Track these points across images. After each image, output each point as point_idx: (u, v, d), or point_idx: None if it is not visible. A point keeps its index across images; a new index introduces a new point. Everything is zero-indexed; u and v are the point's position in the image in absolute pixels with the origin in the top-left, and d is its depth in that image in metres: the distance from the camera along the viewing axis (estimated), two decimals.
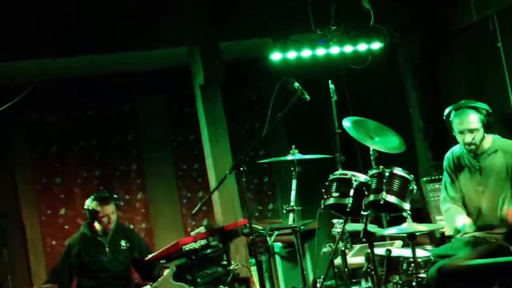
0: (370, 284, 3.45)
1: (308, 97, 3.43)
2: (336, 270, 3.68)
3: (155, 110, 5.74)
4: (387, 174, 3.16)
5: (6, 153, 5.33)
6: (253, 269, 4.15)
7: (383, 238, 3.91)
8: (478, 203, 3.40)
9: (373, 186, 3.18)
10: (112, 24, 4.36)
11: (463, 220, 3.32)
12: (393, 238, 3.83)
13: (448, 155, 3.51)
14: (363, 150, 4.06)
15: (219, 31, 4.63)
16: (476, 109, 3.32)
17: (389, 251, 3.26)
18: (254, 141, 4.26)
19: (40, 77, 5.01)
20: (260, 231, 3.86)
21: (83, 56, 4.67)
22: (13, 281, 4.66)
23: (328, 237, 3.85)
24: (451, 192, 3.47)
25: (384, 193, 3.12)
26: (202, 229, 3.79)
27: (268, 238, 3.85)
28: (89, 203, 4.01)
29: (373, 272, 3.27)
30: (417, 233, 3.08)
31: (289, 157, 3.59)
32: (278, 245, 4.67)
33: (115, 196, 4.19)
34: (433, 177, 4.58)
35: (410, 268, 3.23)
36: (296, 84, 3.44)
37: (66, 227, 5.42)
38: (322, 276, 3.57)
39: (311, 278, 4.27)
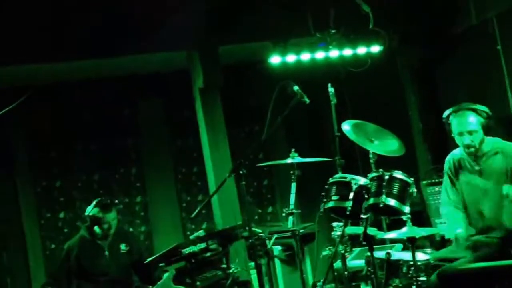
0: (370, 287, 3.44)
1: (307, 100, 3.43)
2: (335, 274, 3.66)
3: (154, 113, 5.74)
4: (386, 177, 3.16)
5: (6, 156, 5.32)
6: (253, 272, 4.14)
7: (383, 241, 3.90)
8: (478, 205, 3.40)
9: (373, 189, 3.18)
10: (111, 28, 4.37)
11: (460, 232, 3.33)
12: (393, 241, 3.83)
13: (448, 158, 3.51)
14: (363, 153, 4.06)
15: (219, 35, 4.64)
16: (475, 111, 3.32)
17: (388, 254, 3.26)
18: (254, 145, 4.27)
19: (40, 81, 5.01)
20: (260, 234, 3.86)
21: (83, 60, 4.67)
22: (12, 284, 4.65)
23: (328, 241, 3.84)
24: (452, 195, 3.47)
25: (384, 196, 3.12)
26: (201, 233, 3.79)
27: (267, 241, 3.85)
28: (91, 210, 4.00)
29: (373, 276, 3.26)
30: (417, 237, 3.08)
31: (289, 161, 3.59)
32: (277, 248, 4.66)
33: (116, 202, 4.18)
34: (433, 180, 4.58)
35: (410, 272, 3.22)
36: (296, 87, 3.44)
37: (65, 230, 5.42)
38: (321, 280, 3.56)
39: (310, 281, 4.27)
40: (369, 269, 3.32)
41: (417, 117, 5.09)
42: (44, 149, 5.46)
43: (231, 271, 3.71)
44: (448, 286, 3.08)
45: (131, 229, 5.50)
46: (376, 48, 4.59)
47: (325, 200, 3.31)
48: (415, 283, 3.11)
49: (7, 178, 5.32)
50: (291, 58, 4.56)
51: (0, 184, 5.30)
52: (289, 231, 3.52)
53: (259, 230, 3.93)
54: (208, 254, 3.70)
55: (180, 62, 4.93)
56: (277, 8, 4.52)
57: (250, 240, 3.37)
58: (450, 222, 3.41)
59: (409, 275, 3.23)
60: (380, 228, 3.96)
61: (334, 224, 3.66)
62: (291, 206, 3.51)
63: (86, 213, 4.03)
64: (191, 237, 3.80)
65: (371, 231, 3.32)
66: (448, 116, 3.38)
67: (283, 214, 3.54)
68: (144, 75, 5.50)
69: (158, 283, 3.68)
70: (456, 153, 3.49)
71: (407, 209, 3.15)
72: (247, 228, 3.42)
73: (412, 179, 3.20)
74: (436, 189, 4.47)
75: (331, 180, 3.35)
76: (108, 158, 5.59)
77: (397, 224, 3.27)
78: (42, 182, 5.43)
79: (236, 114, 5.66)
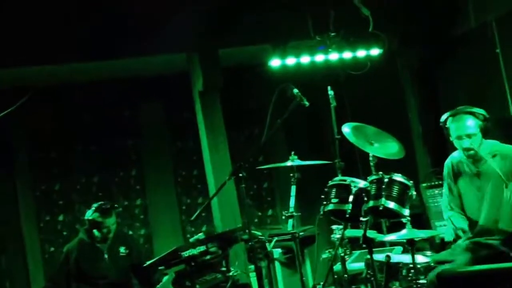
0: None
1: (307, 103, 3.43)
2: (335, 276, 3.66)
3: (154, 116, 5.75)
4: (386, 180, 3.16)
5: (5, 158, 5.32)
6: (252, 275, 4.13)
7: (382, 243, 3.90)
8: (477, 208, 3.40)
9: (373, 192, 3.18)
10: (112, 30, 4.37)
11: (461, 223, 3.33)
12: (393, 244, 3.83)
13: (447, 162, 3.52)
14: (363, 156, 4.06)
15: (218, 38, 4.65)
16: (473, 114, 3.33)
17: (388, 257, 3.26)
18: (254, 147, 4.27)
19: (40, 82, 5.01)
20: (259, 237, 3.86)
21: (83, 62, 4.67)
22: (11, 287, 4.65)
23: (327, 243, 3.84)
24: (452, 200, 3.48)
25: (383, 199, 3.12)
26: (201, 236, 3.78)
27: (267, 244, 3.85)
28: (90, 214, 4.00)
29: (372, 278, 3.26)
30: (417, 239, 3.08)
31: (288, 163, 3.59)
32: (277, 251, 4.66)
33: (116, 206, 4.18)
34: (432, 183, 4.58)
35: (410, 274, 3.22)
36: (295, 90, 3.45)
37: (64, 233, 5.41)
38: (321, 282, 3.56)
39: (310, 284, 4.26)
40: (369, 272, 3.32)
41: (416, 120, 5.09)
42: (44, 150, 5.46)
43: (231, 274, 3.71)
44: None
45: (130, 232, 5.49)
46: (375, 51, 4.60)
47: (324, 203, 3.31)
48: (414, 285, 3.11)
49: (6, 180, 5.32)
50: (290, 61, 4.57)
51: None
52: (289, 233, 3.52)
53: (259, 233, 3.93)
54: (208, 257, 3.70)
55: (180, 64, 4.94)
56: (277, 10, 4.53)
57: (250, 243, 3.36)
58: (454, 222, 3.41)
59: (409, 278, 3.23)
60: (380, 231, 3.97)
61: (334, 226, 3.67)
62: (291, 209, 3.52)
63: (85, 217, 4.03)
64: (191, 240, 3.80)
65: (371, 233, 3.32)
66: (445, 120, 3.39)
67: (283, 217, 3.54)
68: (144, 77, 5.51)
69: (158, 286, 3.68)
70: (455, 157, 3.50)
71: (406, 211, 3.15)
72: (247, 231, 3.42)
73: (412, 182, 3.20)
74: (436, 191, 4.47)
75: (330, 183, 3.35)
76: (108, 160, 5.59)
77: (397, 226, 3.27)
78: (42, 184, 5.43)
79: (236, 116, 5.66)
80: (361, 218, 3.19)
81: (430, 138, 4.96)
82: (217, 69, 4.68)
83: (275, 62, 4.57)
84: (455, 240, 3.38)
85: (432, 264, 3.28)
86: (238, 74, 5.40)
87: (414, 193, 3.21)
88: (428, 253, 3.67)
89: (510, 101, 4.45)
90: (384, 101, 5.22)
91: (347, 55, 4.58)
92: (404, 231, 3.11)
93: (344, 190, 3.26)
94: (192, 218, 3.70)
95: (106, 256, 4.01)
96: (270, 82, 3.98)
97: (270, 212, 5.93)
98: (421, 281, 3.15)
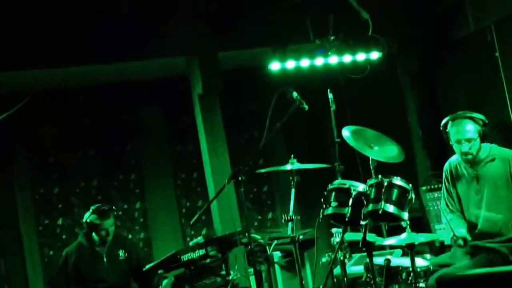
0: None
1: (306, 107, 3.44)
2: (335, 280, 3.66)
3: (153, 119, 5.75)
4: (385, 183, 3.16)
5: (4, 162, 5.31)
6: (252, 279, 4.13)
7: (382, 247, 3.90)
8: (476, 212, 3.41)
9: (372, 195, 3.18)
10: (111, 34, 4.38)
11: (461, 231, 3.33)
12: (392, 247, 3.82)
13: (445, 166, 3.55)
14: (363, 159, 4.06)
15: (218, 41, 4.65)
16: (472, 119, 3.36)
17: (388, 260, 3.25)
18: (253, 151, 4.28)
19: (39, 87, 5.01)
20: (259, 240, 3.85)
21: (82, 66, 4.68)
22: None
23: (327, 247, 3.84)
24: (450, 203, 3.49)
25: (382, 202, 3.11)
26: (200, 239, 3.78)
27: (267, 248, 3.84)
28: (88, 216, 3.99)
29: (372, 282, 3.25)
30: (416, 243, 3.08)
31: (288, 167, 3.59)
32: (277, 255, 4.65)
33: (114, 208, 4.17)
34: (432, 186, 4.58)
35: (410, 278, 3.22)
36: (295, 94, 3.45)
37: (63, 237, 5.40)
38: (321, 286, 3.55)
39: (310, 287, 4.26)
40: (369, 275, 3.31)
41: (416, 123, 5.10)
42: (43, 154, 5.45)
43: (230, 277, 3.70)
44: None
45: (130, 236, 5.48)
46: (375, 55, 4.60)
47: (324, 206, 3.31)
48: None
49: (5, 183, 5.31)
50: (290, 64, 4.57)
51: None
52: (288, 237, 3.51)
53: (258, 237, 3.92)
54: (208, 260, 3.69)
55: (180, 68, 4.94)
56: (277, 14, 4.54)
57: (249, 247, 3.36)
58: (453, 230, 3.41)
59: (409, 281, 3.22)
60: (379, 234, 3.96)
61: (334, 230, 3.66)
62: (291, 213, 3.51)
63: (83, 220, 4.02)
64: (191, 243, 3.79)
65: (370, 237, 3.32)
66: (445, 125, 3.42)
67: (283, 221, 3.53)
68: (143, 81, 5.51)
69: None
70: (453, 160, 3.52)
71: (406, 215, 3.15)
72: (246, 234, 3.42)
73: (411, 185, 3.20)
74: (436, 195, 4.47)
75: (330, 186, 3.35)
76: (107, 164, 5.58)
77: (397, 230, 3.27)
78: (41, 188, 5.42)
79: (236, 120, 5.67)
80: (361, 222, 3.18)
81: (430, 141, 4.97)
82: (217, 72, 4.69)
83: (274, 66, 4.58)
84: (465, 244, 3.37)
85: (431, 267, 3.27)
86: (238, 77, 5.41)
87: (414, 196, 3.21)
88: (428, 256, 3.67)
89: (509, 105, 4.46)
90: (384, 105, 5.23)
91: (347, 58, 4.59)
92: (403, 235, 3.11)
93: (343, 193, 3.26)
94: (192, 221, 3.70)
95: (105, 259, 4.00)
96: (270, 86, 3.99)
97: (270, 215, 5.93)
98: (420, 285, 3.15)
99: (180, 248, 3.98)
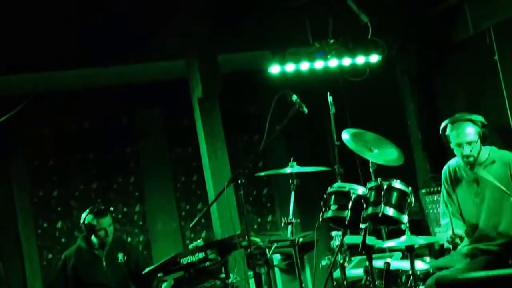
0: None
1: (306, 110, 3.44)
2: (335, 283, 3.65)
3: (153, 122, 5.75)
4: (385, 186, 3.16)
5: (3, 165, 5.31)
6: (252, 282, 4.12)
7: (382, 249, 3.90)
8: (476, 215, 3.41)
9: (372, 199, 3.18)
10: (110, 38, 4.38)
11: (458, 231, 3.33)
12: (392, 249, 3.82)
13: (444, 169, 3.55)
14: (363, 162, 4.07)
15: (218, 44, 4.66)
16: (472, 121, 3.36)
17: (387, 263, 3.25)
18: (252, 154, 4.28)
19: (38, 90, 5.01)
20: (259, 243, 3.85)
21: (82, 69, 4.68)
22: None
23: (327, 250, 3.84)
24: (449, 206, 3.49)
25: (382, 205, 3.12)
26: (200, 242, 3.77)
27: (267, 250, 3.83)
28: (85, 217, 3.98)
29: (372, 285, 3.25)
30: (416, 246, 3.08)
31: (288, 170, 3.59)
32: (277, 257, 4.65)
33: (111, 208, 4.17)
34: (432, 189, 4.58)
35: (409, 281, 3.22)
36: (294, 97, 3.46)
37: (62, 240, 5.39)
38: None
39: None
40: (368, 278, 3.31)
41: (416, 126, 5.11)
42: (42, 157, 5.44)
43: (230, 280, 3.69)
44: None
45: (129, 239, 5.47)
46: (374, 58, 4.61)
47: (323, 209, 3.31)
48: None
49: (4, 186, 5.30)
50: (290, 67, 4.58)
51: None
52: (288, 240, 3.51)
53: (258, 240, 3.92)
54: (207, 263, 3.68)
55: (179, 71, 4.94)
56: (276, 17, 4.55)
57: (249, 250, 3.35)
58: (447, 231, 3.42)
59: (408, 285, 3.22)
60: (379, 237, 3.96)
61: (333, 233, 3.66)
62: (290, 216, 3.50)
63: (81, 222, 4.02)
64: (190, 246, 3.78)
65: (370, 240, 3.32)
66: (444, 128, 3.42)
67: (282, 224, 3.53)
68: (143, 84, 5.51)
69: None
70: (452, 163, 3.52)
71: (405, 218, 3.15)
72: (246, 237, 3.41)
73: (411, 188, 3.21)
74: (435, 198, 4.47)
75: (330, 189, 3.35)
76: (107, 167, 5.58)
77: (397, 232, 3.27)
78: (40, 190, 5.41)
79: (235, 122, 5.67)
80: (360, 225, 3.18)
81: (429, 144, 4.97)
82: (216, 75, 4.69)
83: (274, 69, 4.58)
84: (454, 247, 3.38)
85: (431, 270, 3.27)
86: (238, 80, 5.41)
87: (413, 199, 3.22)
88: (427, 259, 3.67)
89: (508, 107, 4.47)
90: (383, 108, 5.23)
91: (346, 61, 4.59)
92: (403, 238, 3.11)
93: (343, 196, 3.26)
94: (191, 224, 3.69)
95: (104, 263, 4.00)
96: (270, 88, 3.99)
97: (269, 218, 5.92)
98: None
99: (179, 251, 3.96)
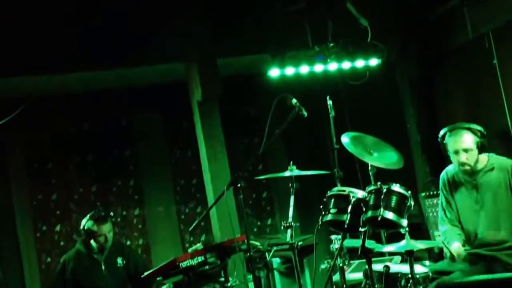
0: None
1: (305, 114, 3.44)
2: (334, 287, 3.65)
3: (152, 125, 5.75)
4: (384, 190, 3.16)
5: (2, 168, 5.30)
6: (251, 285, 4.11)
7: (381, 253, 3.89)
8: (475, 221, 3.41)
9: (371, 202, 3.18)
10: (109, 40, 4.39)
11: (456, 247, 3.33)
12: (392, 253, 3.82)
13: (442, 175, 3.55)
14: (362, 165, 4.07)
15: (217, 47, 4.67)
16: (470, 130, 3.37)
17: (387, 267, 3.25)
18: (252, 157, 4.28)
19: (37, 93, 5.01)
20: (258, 247, 3.84)
21: (80, 72, 4.68)
22: None
23: (327, 253, 3.83)
24: (448, 213, 3.50)
25: (381, 209, 3.11)
26: (199, 246, 3.77)
27: (266, 254, 3.83)
28: (85, 223, 3.98)
29: None
30: (415, 250, 3.08)
31: (287, 173, 3.59)
32: (276, 261, 4.64)
33: (111, 214, 4.16)
34: (431, 192, 4.59)
35: (409, 284, 3.21)
36: (294, 101, 3.46)
37: (61, 243, 5.38)
38: None
39: None
40: (368, 282, 3.30)
41: (415, 129, 5.11)
42: (41, 160, 5.44)
43: (229, 284, 3.68)
44: None
45: (128, 242, 5.46)
46: (374, 61, 4.62)
47: (323, 213, 3.31)
48: None
49: (3, 189, 5.29)
50: (289, 71, 4.59)
51: None
52: (287, 244, 3.51)
53: (257, 243, 3.91)
54: (206, 267, 3.68)
55: (179, 74, 4.95)
56: (276, 20, 4.56)
57: (248, 253, 3.35)
58: (446, 239, 3.42)
59: None
60: (379, 241, 3.96)
61: (333, 237, 3.66)
62: (289, 219, 3.50)
63: (81, 227, 4.02)
64: (189, 250, 3.77)
65: (370, 244, 3.32)
66: (443, 136, 3.44)
67: (282, 227, 3.53)
68: (142, 87, 5.52)
69: None
70: (450, 170, 3.53)
71: (405, 222, 3.15)
72: (245, 240, 3.41)
73: (410, 192, 3.21)
74: (435, 201, 4.47)
75: (329, 193, 3.35)
76: (106, 170, 5.57)
77: (397, 236, 3.27)
78: (39, 194, 5.41)
79: (235, 126, 5.67)
80: (360, 228, 3.18)
81: (429, 147, 4.97)
82: (216, 78, 4.69)
83: (274, 72, 4.59)
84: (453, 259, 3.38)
85: (430, 274, 3.27)
86: (237, 83, 5.42)
87: (413, 203, 3.22)
88: (427, 262, 3.66)
89: (507, 112, 4.47)
90: (383, 111, 5.24)
91: (346, 65, 4.60)
92: (403, 242, 3.11)
93: (342, 200, 3.26)
94: (191, 228, 3.69)
95: (103, 267, 3.99)
96: (269, 92, 4.00)
97: (269, 221, 5.92)
98: None
99: (179, 255, 3.96)
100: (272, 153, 5.68)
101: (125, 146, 5.66)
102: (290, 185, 3.58)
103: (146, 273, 3.74)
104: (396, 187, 3.17)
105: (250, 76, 5.32)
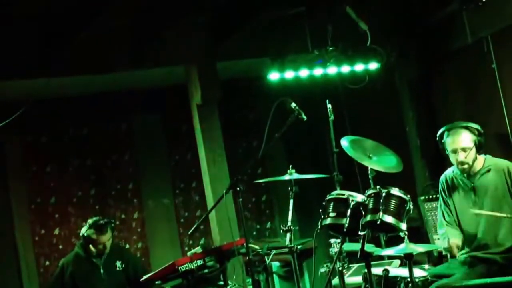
0: None
1: (304, 117, 3.45)
2: None
3: (152, 128, 5.75)
4: (384, 194, 3.16)
5: (0, 171, 5.29)
6: None
7: (381, 256, 3.89)
8: (474, 224, 3.41)
9: (370, 206, 3.18)
10: (109, 44, 4.39)
11: (454, 240, 3.32)
12: (391, 256, 3.82)
13: (441, 178, 3.56)
14: (362, 169, 4.07)
15: (217, 51, 4.67)
16: (468, 128, 3.38)
17: (386, 271, 3.25)
18: (252, 161, 4.28)
19: (36, 96, 5.01)
20: (257, 250, 3.84)
21: (81, 76, 4.68)
22: None
23: (326, 257, 3.83)
24: (447, 216, 3.51)
25: (381, 213, 3.12)
26: (198, 249, 3.76)
27: (266, 257, 3.83)
28: (85, 231, 3.98)
29: None
30: (414, 254, 3.08)
31: (286, 177, 3.59)
32: (276, 264, 4.64)
33: (112, 221, 4.15)
34: (430, 196, 4.59)
35: None
36: (293, 104, 3.47)
37: (60, 247, 5.36)
38: None
39: None
40: (367, 285, 3.30)
41: (414, 133, 5.12)
42: (40, 163, 5.43)
43: (228, 287, 3.68)
44: None
45: (127, 246, 5.45)
46: (373, 65, 4.63)
47: (322, 217, 3.31)
48: None
49: (1, 193, 5.28)
50: (289, 74, 4.59)
51: None
52: (287, 247, 3.51)
53: (257, 247, 3.91)
54: (205, 271, 3.67)
55: (179, 77, 4.95)
56: (276, 24, 4.56)
57: (247, 257, 3.35)
58: (448, 236, 3.42)
59: None
60: (378, 244, 3.96)
61: (332, 240, 3.66)
62: (289, 223, 3.50)
63: (80, 233, 4.01)
64: (189, 253, 3.77)
65: (369, 247, 3.31)
66: (441, 135, 3.44)
67: (281, 231, 3.53)
68: (142, 90, 5.52)
69: None
70: (449, 173, 3.53)
71: (404, 225, 3.15)
72: (244, 244, 3.40)
73: (409, 196, 3.21)
74: (434, 205, 4.47)
75: (328, 196, 3.35)
76: (105, 173, 5.57)
77: (396, 239, 3.27)
78: (37, 197, 5.40)
79: (235, 129, 5.68)
80: (359, 232, 3.18)
81: (428, 151, 4.97)
82: (216, 81, 4.69)
83: (273, 76, 4.59)
84: (452, 256, 3.38)
85: (429, 278, 3.27)
86: (237, 87, 5.43)
87: (412, 207, 3.22)
88: (426, 266, 3.66)
89: (506, 115, 4.48)
90: (382, 115, 5.25)
91: (346, 69, 4.61)
92: (402, 245, 3.11)
93: (342, 204, 3.26)
94: (190, 231, 3.68)
95: (102, 271, 3.98)
96: (269, 95, 4.01)
97: (268, 224, 5.92)
98: None
99: (178, 258, 3.95)
100: (272, 156, 5.69)
101: (125, 149, 5.66)
102: (289, 188, 3.58)
103: (145, 277, 3.74)
104: (395, 191, 3.17)
105: (250, 80, 5.32)
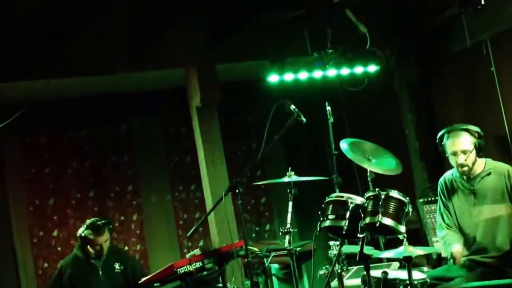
0: None
1: (304, 120, 3.45)
2: None
3: (151, 130, 5.75)
4: (383, 196, 3.17)
5: None
6: None
7: (380, 259, 3.89)
8: (473, 227, 3.42)
9: (369, 208, 3.18)
10: (108, 44, 4.39)
11: (458, 248, 3.33)
12: (390, 259, 3.82)
13: (440, 180, 3.56)
14: (361, 171, 4.07)
15: (216, 53, 4.68)
16: (468, 131, 3.38)
17: (385, 273, 3.25)
18: (250, 163, 4.28)
19: (35, 98, 5.01)
20: (256, 252, 3.83)
21: (81, 77, 4.68)
22: None
23: (325, 259, 3.83)
24: (446, 219, 3.51)
25: (380, 215, 3.12)
26: (197, 251, 3.76)
27: (265, 260, 3.82)
28: (83, 231, 3.98)
29: None
30: (413, 256, 3.08)
31: (285, 179, 3.60)
32: (275, 267, 4.63)
33: (110, 222, 4.14)
34: (429, 198, 4.59)
35: None
36: (292, 107, 3.47)
37: (59, 249, 5.35)
38: None
39: None
40: None
41: (413, 136, 5.12)
42: (38, 165, 5.42)
43: None
44: None
45: (126, 248, 5.44)
46: (373, 68, 4.64)
47: (321, 219, 3.31)
48: None
49: None
50: (288, 76, 4.60)
51: None
52: (286, 249, 3.50)
53: (256, 249, 3.90)
54: (204, 273, 3.67)
55: (178, 79, 4.95)
56: (275, 27, 4.57)
57: (246, 259, 3.34)
58: (446, 244, 3.42)
59: None
60: (377, 247, 3.96)
61: (331, 243, 3.66)
62: (288, 225, 3.50)
63: (78, 234, 4.01)
64: (187, 255, 3.76)
65: (368, 250, 3.32)
66: (441, 137, 3.44)
67: (280, 233, 3.53)
68: (141, 92, 5.52)
69: None
70: (448, 175, 3.54)
71: (403, 228, 3.15)
72: (243, 246, 3.40)
73: (408, 198, 3.21)
74: (433, 207, 4.47)
75: (327, 199, 3.35)
76: (104, 175, 5.56)
77: (395, 242, 3.27)
78: (35, 199, 5.39)
79: (234, 131, 5.68)
80: (358, 235, 3.18)
81: (427, 153, 4.98)
82: (215, 84, 4.70)
83: (273, 78, 4.60)
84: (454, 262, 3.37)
85: (428, 280, 3.27)
86: (236, 89, 5.43)
87: (411, 209, 3.22)
88: (425, 268, 3.66)
89: (504, 118, 4.49)
90: (382, 117, 5.26)
91: (345, 71, 4.62)
92: (401, 248, 3.11)
93: (341, 206, 3.26)
94: (188, 233, 3.68)
95: (100, 272, 3.98)
96: (268, 97, 4.01)
97: (267, 227, 5.91)
98: None
99: (177, 260, 3.94)
100: (271, 158, 5.69)
101: (124, 151, 5.66)
102: (288, 191, 3.58)
103: (143, 279, 3.73)
104: (394, 193, 3.18)
105: (249, 82, 5.33)
